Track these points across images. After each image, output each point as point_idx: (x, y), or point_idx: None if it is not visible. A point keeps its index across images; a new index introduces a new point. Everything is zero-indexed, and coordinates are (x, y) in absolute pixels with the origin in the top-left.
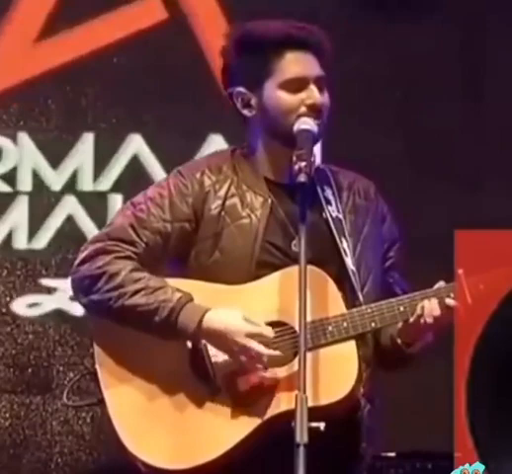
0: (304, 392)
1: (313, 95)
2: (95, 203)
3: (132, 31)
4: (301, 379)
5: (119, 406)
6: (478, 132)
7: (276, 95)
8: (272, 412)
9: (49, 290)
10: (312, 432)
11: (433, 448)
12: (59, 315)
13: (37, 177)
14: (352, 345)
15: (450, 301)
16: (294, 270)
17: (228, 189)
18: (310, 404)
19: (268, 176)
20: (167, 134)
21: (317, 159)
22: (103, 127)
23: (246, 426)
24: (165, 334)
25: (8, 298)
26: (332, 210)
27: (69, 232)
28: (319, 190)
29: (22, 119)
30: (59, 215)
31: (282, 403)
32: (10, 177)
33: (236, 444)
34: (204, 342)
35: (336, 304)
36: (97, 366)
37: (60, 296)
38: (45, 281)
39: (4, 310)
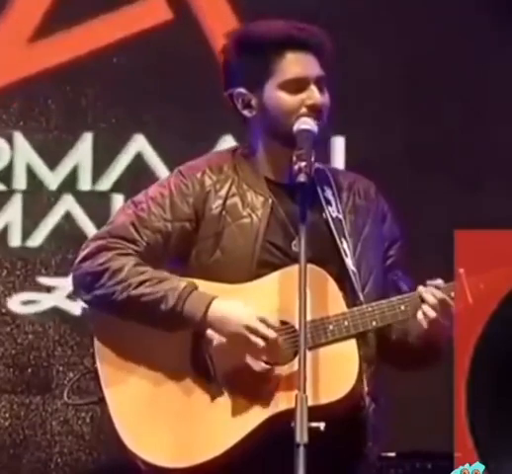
0: (304, 392)
1: (314, 95)
2: (94, 203)
3: (133, 31)
4: (302, 379)
5: (119, 404)
6: (478, 132)
7: (276, 95)
8: (272, 411)
9: (48, 289)
10: (315, 432)
11: (433, 448)
12: (59, 315)
13: (34, 176)
14: (353, 344)
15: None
16: (294, 269)
17: (229, 188)
18: (311, 403)
19: (268, 176)
20: (167, 135)
21: (341, 164)
22: (103, 127)
23: (247, 424)
24: (171, 323)
25: (8, 298)
26: (332, 211)
27: (68, 231)
28: (319, 190)
29: (21, 119)
30: (56, 214)
31: (282, 402)
32: (6, 175)
33: (237, 443)
34: (208, 333)
35: (337, 303)
36: (97, 364)
37: (59, 295)
38: (44, 280)
39: (4, 310)
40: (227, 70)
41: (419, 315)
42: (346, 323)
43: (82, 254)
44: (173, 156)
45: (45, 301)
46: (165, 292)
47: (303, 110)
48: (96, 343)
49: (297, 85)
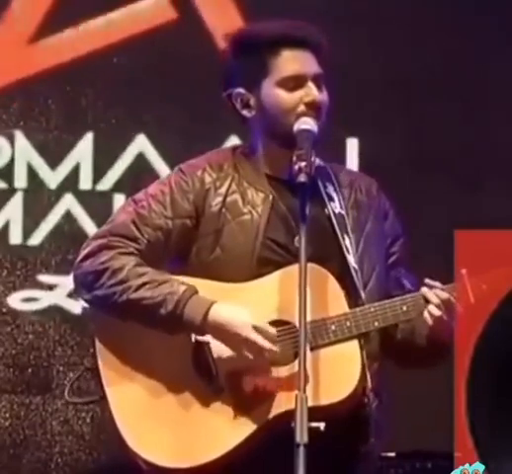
0: (304, 392)
1: (312, 92)
2: (94, 203)
3: (134, 30)
4: (302, 379)
5: (121, 403)
6: (478, 132)
7: (274, 93)
8: (274, 412)
9: (50, 287)
10: (317, 432)
11: (433, 448)
12: (59, 314)
13: (35, 175)
14: (355, 344)
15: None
16: (295, 268)
17: (229, 186)
18: (312, 404)
19: (268, 172)
20: (168, 134)
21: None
22: (103, 127)
23: (248, 425)
24: (171, 327)
25: (8, 298)
26: (335, 206)
27: (68, 230)
28: (321, 186)
29: (22, 119)
30: (57, 213)
31: (283, 403)
32: (6, 174)
33: (238, 444)
34: (207, 340)
35: (338, 302)
36: (99, 364)
37: (59, 293)
38: (44, 278)
39: (4, 310)
40: (226, 71)
41: (425, 314)
42: (348, 323)
43: (83, 253)
44: (173, 156)
45: (46, 299)
46: (164, 296)
47: (301, 107)
48: (97, 342)
49: (294, 82)
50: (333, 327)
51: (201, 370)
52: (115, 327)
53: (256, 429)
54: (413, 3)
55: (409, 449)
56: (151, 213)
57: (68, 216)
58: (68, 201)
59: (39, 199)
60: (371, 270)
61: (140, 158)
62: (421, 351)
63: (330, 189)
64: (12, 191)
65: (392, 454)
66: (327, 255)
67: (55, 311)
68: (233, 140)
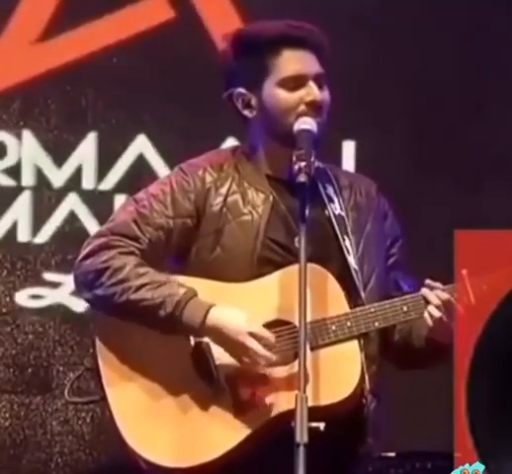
0: (304, 392)
1: (313, 92)
2: (96, 203)
3: (134, 31)
4: (301, 379)
5: (121, 403)
6: (479, 132)
7: (275, 93)
8: (274, 412)
9: (54, 285)
10: (316, 432)
11: (433, 448)
12: (59, 314)
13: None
14: (355, 344)
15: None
16: (295, 268)
17: (230, 186)
18: (312, 404)
19: (268, 172)
20: (168, 135)
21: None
22: (103, 127)
23: (249, 425)
24: (169, 329)
25: (7, 298)
26: (334, 208)
27: (72, 229)
28: (321, 188)
29: (22, 119)
30: (59, 212)
31: (284, 403)
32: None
33: (238, 444)
34: (206, 341)
35: (338, 303)
36: (99, 363)
37: (63, 291)
38: (49, 276)
39: (4, 310)
40: (226, 71)
41: (425, 315)
42: (348, 324)
43: (84, 252)
44: (174, 156)
45: (51, 296)
46: (164, 298)
47: (302, 107)
48: (98, 342)
49: (295, 82)
50: (333, 327)
51: (201, 371)
52: (115, 327)
53: (256, 428)
54: (413, 3)
55: (409, 449)
56: (152, 213)
57: (71, 216)
58: (72, 201)
59: (41, 199)
60: (371, 271)
61: (140, 158)
62: (419, 352)
63: (330, 190)
64: (20, 189)
65: (392, 454)
66: (327, 255)
67: (56, 310)
68: (230, 142)
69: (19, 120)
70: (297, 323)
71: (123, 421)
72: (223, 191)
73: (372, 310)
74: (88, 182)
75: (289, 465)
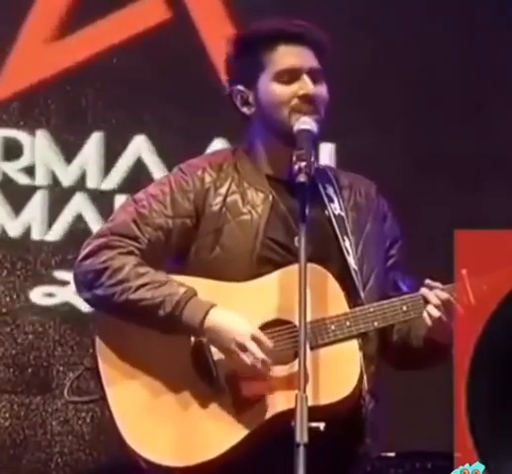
0: (304, 391)
1: (306, 86)
2: (97, 202)
3: (134, 31)
4: (301, 379)
5: (121, 403)
6: (479, 132)
7: (269, 87)
8: (273, 411)
9: (64, 283)
10: (314, 431)
11: (433, 448)
12: (59, 314)
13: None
14: (354, 344)
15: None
16: (295, 268)
17: (229, 186)
18: (311, 404)
19: (268, 172)
20: (167, 135)
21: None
22: (103, 127)
23: (248, 424)
24: (169, 328)
25: (8, 298)
26: (334, 208)
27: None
28: (321, 188)
29: (22, 119)
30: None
31: (283, 402)
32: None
33: (238, 443)
34: (206, 340)
35: (338, 302)
36: (99, 363)
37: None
38: (60, 274)
39: (4, 310)
40: (227, 71)
41: (424, 315)
42: (347, 323)
43: (83, 252)
44: (173, 156)
45: (62, 295)
46: (164, 298)
47: (295, 100)
48: (98, 341)
49: (288, 75)
50: (333, 327)
51: (200, 370)
52: (115, 326)
53: (255, 428)
54: (414, 3)
55: (409, 449)
56: (152, 213)
57: (75, 215)
58: (78, 201)
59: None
60: (370, 271)
61: (140, 158)
62: (417, 352)
63: (330, 190)
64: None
65: (392, 454)
66: (327, 255)
67: (56, 310)
68: (217, 143)
69: (19, 120)
70: (296, 322)
71: (122, 420)
72: (223, 191)
73: (371, 310)
74: (91, 182)
75: (288, 465)
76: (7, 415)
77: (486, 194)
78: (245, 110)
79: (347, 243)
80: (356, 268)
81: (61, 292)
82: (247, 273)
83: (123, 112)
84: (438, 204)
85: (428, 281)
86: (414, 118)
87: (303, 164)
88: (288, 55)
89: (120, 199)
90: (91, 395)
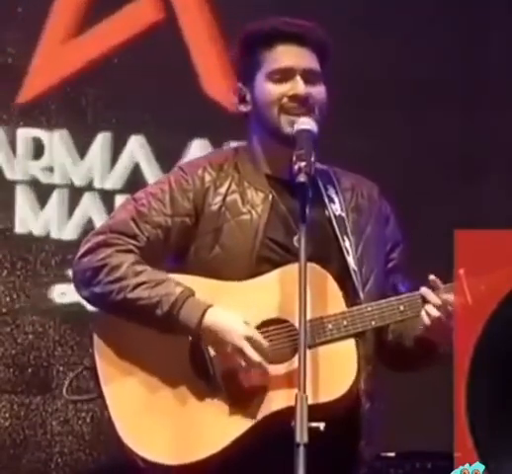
0: (305, 391)
1: (297, 86)
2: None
3: (133, 31)
4: (301, 378)
5: (118, 401)
6: (479, 132)
7: (263, 86)
8: (270, 409)
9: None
10: (312, 431)
11: (433, 448)
12: (59, 314)
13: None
14: (351, 343)
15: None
16: (294, 267)
17: (229, 185)
18: (309, 402)
19: (268, 172)
20: (167, 135)
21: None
22: (103, 127)
23: (245, 422)
24: (166, 328)
25: (8, 298)
26: (335, 209)
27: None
28: (322, 188)
29: (22, 119)
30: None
31: (280, 400)
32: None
33: (235, 440)
34: (203, 340)
35: (336, 302)
36: (96, 361)
37: None
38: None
39: (4, 310)
40: (233, 70)
41: (422, 313)
42: (345, 322)
43: (82, 249)
44: (172, 156)
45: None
46: (161, 297)
47: (285, 100)
48: (95, 340)
49: (282, 75)
50: (330, 325)
51: (198, 368)
52: (112, 324)
53: (252, 426)
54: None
55: (409, 449)
56: (151, 211)
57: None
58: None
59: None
60: (369, 272)
61: (140, 158)
62: (408, 353)
63: (331, 191)
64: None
65: (392, 454)
66: (327, 256)
67: (56, 311)
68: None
69: (19, 120)
70: (294, 321)
71: (119, 418)
72: (223, 190)
73: (368, 309)
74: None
75: (286, 463)
76: (7, 415)
77: (486, 194)
78: (242, 107)
79: (347, 243)
80: (355, 268)
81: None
82: (246, 272)
83: (122, 111)
84: (438, 204)
85: (433, 279)
86: (414, 118)
87: (303, 164)
88: (283, 55)
89: (119, 199)
90: (90, 394)
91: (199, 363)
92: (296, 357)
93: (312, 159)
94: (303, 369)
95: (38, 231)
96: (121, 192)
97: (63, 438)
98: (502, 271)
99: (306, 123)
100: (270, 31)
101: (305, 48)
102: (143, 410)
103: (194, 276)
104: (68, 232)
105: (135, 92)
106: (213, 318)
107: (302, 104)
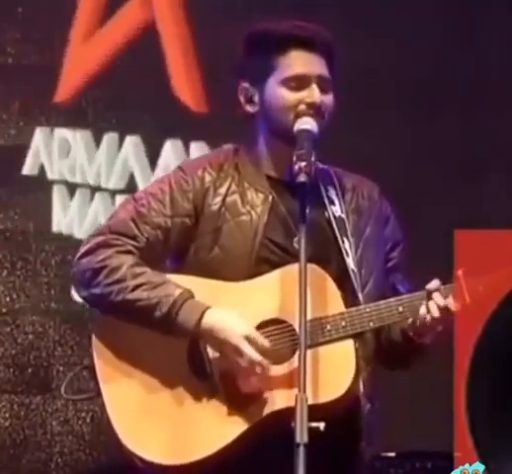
0: (304, 392)
1: (314, 94)
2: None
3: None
4: (301, 379)
5: (116, 400)
6: (479, 132)
7: (277, 91)
8: (269, 409)
9: None
10: (312, 431)
11: (433, 448)
12: (59, 314)
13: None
14: (350, 343)
15: (448, 302)
16: (294, 268)
17: (229, 186)
18: (309, 402)
19: (270, 173)
20: (167, 135)
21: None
22: (103, 127)
23: (244, 422)
24: (165, 329)
25: (8, 298)
26: (335, 210)
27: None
28: (323, 189)
29: (21, 119)
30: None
31: (280, 401)
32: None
33: (233, 441)
34: (202, 341)
35: (335, 303)
36: (95, 360)
37: None
38: None
39: (4, 310)
40: (236, 66)
41: (422, 310)
42: (343, 323)
43: (82, 250)
44: (172, 156)
45: None
46: (160, 299)
47: (302, 107)
48: (94, 339)
49: (298, 82)
50: (329, 326)
51: (196, 369)
52: (111, 324)
53: (251, 426)
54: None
55: (409, 449)
56: (151, 212)
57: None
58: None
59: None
60: (369, 273)
61: (139, 158)
62: (396, 348)
63: (332, 192)
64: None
65: (392, 454)
66: (326, 257)
67: (55, 311)
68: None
69: (19, 120)
70: (293, 322)
71: (117, 418)
72: (222, 190)
73: (367, 310)
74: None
75: (286, 464)
76: (7, 415)
77: (486, 194)
78: (249, 108)
79: (346, 245)
80: (355, 269)
81: None
82: (245, 273)
83: (123, 111)
84: (438, 204)
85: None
86: (414, 118)
87: (304, 164)
88: (298, 61)
89: (119, 199)
90: (88, 393)
91: (197, 364)
92: (295, 358)
93: (313, 159)
94: (303, 370)
95: (66, 231)
96: (120, 192)
97: (63, 438)
98: (502, 271)
99: (307, 123)
100: (284, 35)
101: (316, 54)
102: (141, 410)
103: (193, 276)
104: (84, 233)
105: (136, 92)
106: (211, 319)
107: (317, 111)
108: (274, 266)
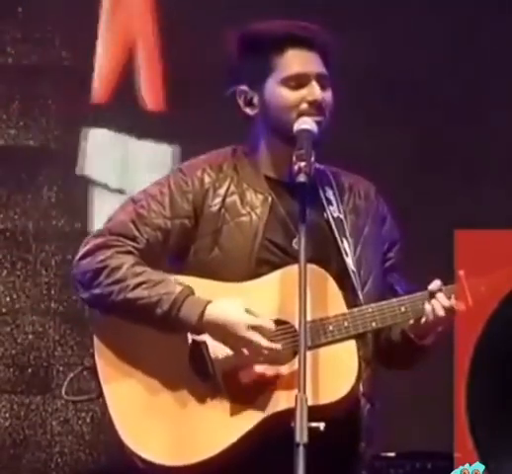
0: (304, 392)
1: (314, 91)
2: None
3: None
4: (301, 379)
5: (118, 401)
6: (479, 132)
7: (277, 92)
8: (271, 410)
9: None
10: (312, 431)
11: (433, 448)
12: (59, 314)
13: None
14: (352, 344)
15: (452, 303)
16: (294, 268)
17: (228, 187)
18: (310, 403)
19: (269, 174)
20: (168, 135)
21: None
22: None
23: (245, 423)
24: (167, 327)
25: (8, 298)
26: (333, 210)
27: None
28: (320, 190)
29: (21, 119)
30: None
31: (281, 401)
32: None
33: (235, 442)
34: (204, 339)
35: (337, 303)
36: (97, 361)
37: None
38: None
39: (4, 310)
40: (231, 69)
41: (427, 308)
42: (346, 324)
43: (82, 251)
44: (173, 156)
45: None
46: (161, 296)
47: (304, 106)
48: (96, 340)
49: (297, 81)
50: (331, 327)
51: (198, 369)
52: (113, 325)
53: (252, 427)
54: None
55: (409, 449)
56: (150, 213)
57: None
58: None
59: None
60: (368, 272)
61: (140, 158)
62: (396, 348)
63: (329, 193)
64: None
65: (392, 454)
66: (326, 257)
67: (55, 311)
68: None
69: (19, 120)
70: (294, 322)
71: (119, 418)
72: (222, 191)
73: (369, 310)
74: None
75: (287, 464)
76: (7, 415)
77: (486, 194)
78: (248, 110)
79: (345, 245)
80: (354, 269)
81: None
82: (245, 274)
83: (123, 111)
84: (438, 204)
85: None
86: (414, 118)
87: (303, 164)
88: (297, 60)
89: (120, 199)
90: (88, 394)
91: (199, 364)
92: (296, 359)
93: (312, 159)
94: (303, 370)
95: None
96: (120, 192)
97: (63, 438)
98: (502, 271)
99: (307, 123)
100: (280, 34)
101: (314, 52)
102: (143, 410)
103: (193, 277)
104: None
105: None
106: (214, 312)
107: (319, 109)
108: (274, 266)
